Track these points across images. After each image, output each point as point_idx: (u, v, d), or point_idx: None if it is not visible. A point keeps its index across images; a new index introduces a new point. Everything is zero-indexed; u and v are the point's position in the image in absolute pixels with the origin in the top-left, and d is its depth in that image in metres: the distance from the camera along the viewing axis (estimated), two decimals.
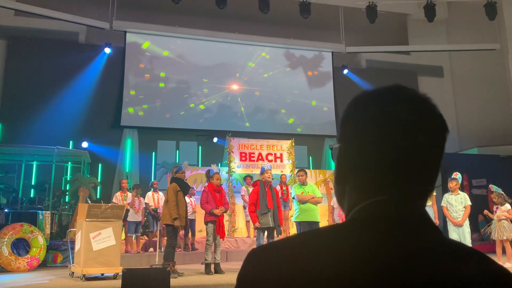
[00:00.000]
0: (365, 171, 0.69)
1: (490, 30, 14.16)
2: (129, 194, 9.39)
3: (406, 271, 0.58)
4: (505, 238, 7.36)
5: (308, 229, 0.73)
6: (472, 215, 7.49)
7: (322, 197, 7.24)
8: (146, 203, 9.42)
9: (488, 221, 8.19)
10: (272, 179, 7.41)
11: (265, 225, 6.82)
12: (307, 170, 8.03)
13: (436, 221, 7.56)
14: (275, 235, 7.01)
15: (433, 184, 0.70)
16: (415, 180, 0.67)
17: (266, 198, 6.90)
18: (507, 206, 7.48)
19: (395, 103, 0.69)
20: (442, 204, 7.49)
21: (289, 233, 9.97)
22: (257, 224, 6.85)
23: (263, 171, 7.15)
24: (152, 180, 10.86)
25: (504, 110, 14.47)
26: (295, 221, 7.28)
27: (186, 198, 9.29)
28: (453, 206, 7.30)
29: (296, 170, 7.68)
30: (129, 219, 9.04)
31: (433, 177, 0.69)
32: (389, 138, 0.67)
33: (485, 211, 7.91)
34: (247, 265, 0.65)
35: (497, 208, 7.60)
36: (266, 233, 7.02)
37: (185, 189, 7.15)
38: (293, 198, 7.22)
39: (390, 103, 0.69)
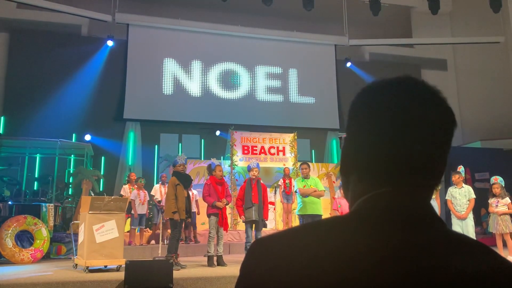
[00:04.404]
0: (371, 162, 0.68)
1: (494, 23, 14.05)
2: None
3: (410, 263, 0.58)
4: (507, 231, 7.34)
5: None
6: (474, 208, 7.47)
7: (324, 190, 7.28)
8: (152, 195, 9.45)
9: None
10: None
11: (249, 218, 7.16)
12: (310, 163, 8.07)
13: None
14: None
15: (440, 178, 0.69)
16: (421, 174, 0.67)
17: (251, 193, 7.21)
18: (507, 199, 7.45)
19: (404, 96, 0.68)
20: (446, 197, 7.46)
21: (292, 226, 9.98)
22: (242, 218, 7.19)
23: (249, 169, 7.42)
24: (155, 172, 10.86)
25: (507, 103, 14.39)
26: (298, 214, 7.34)
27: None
28: (457, 199, 7.28)
29: (300, 163, 7.71)
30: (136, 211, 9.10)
31: (440, 171, 0.69)
32: (397, 131, 0.66)
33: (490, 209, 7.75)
34: (251, 255, 0.65)
35: (497, 201, 7.54)
36: (254, 226, 7.25)
37: (186, 182, 7.10)
38: (296, 191, 7.27)
39: (399, 96, 0.68)
